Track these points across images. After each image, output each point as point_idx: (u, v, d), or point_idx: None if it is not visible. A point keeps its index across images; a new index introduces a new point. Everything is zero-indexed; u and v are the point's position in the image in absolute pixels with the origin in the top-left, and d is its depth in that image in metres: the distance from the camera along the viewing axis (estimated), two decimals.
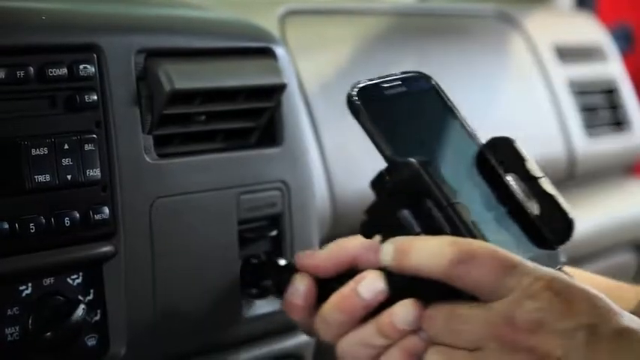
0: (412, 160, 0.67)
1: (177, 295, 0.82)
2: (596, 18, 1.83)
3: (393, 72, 0.74)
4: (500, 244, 0.66)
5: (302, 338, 0.94)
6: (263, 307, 0.89)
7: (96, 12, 0.81)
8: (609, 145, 1.60)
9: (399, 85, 0.73)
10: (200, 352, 0.86)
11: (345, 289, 0.70)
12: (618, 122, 1.65)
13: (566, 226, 0.70)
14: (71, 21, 0.78)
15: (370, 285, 0.69)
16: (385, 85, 0.72)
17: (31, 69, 0.73)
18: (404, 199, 0.67)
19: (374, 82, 0.72)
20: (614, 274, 1.55)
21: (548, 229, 0.70)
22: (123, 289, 0.78)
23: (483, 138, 0.74)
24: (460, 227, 0.66)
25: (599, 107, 1.63)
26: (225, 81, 0.85)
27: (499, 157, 0.72)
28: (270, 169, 0.89)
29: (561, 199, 0.71)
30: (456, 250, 0.64)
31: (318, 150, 1.13)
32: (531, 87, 1.50)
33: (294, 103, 0.92)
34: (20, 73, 0.72)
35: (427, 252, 0.65)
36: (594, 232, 1.50)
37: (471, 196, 0.70)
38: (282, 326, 0.91)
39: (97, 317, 0.77)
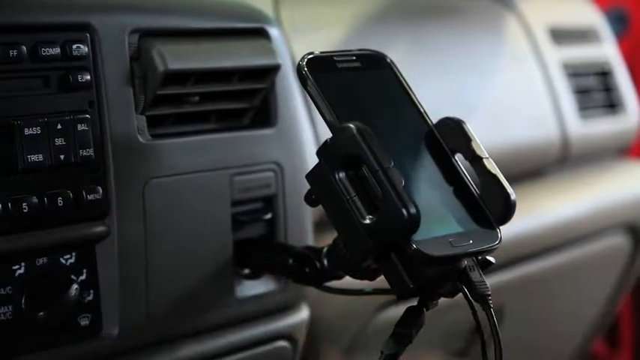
0: (350, 124, 0.67)
1: (170, 276, 0.82)
2: (590, 0, 1.83)
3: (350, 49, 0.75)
4: (441, 220, 0.67)
5: (295, 319, 0.94)
6: (255, 287, 0.89)
7: None
8: (603, 127, 1.60)
9: (352, 60, 0.74)
10: (192, 333, 0.86)
11: None
12: (612, 104, 1.65)
13: (506, 206, 0.71)
14: (65, 0, 0.78)
15: None
16: (338, 59, 0.73)
17: (24, 48, 0.73)
18: (340, 163, 0.68)
19: (326, 54, 0.73)
20: (607, 255, 1.56)
21: (489, 208, 0.71)
22: (116, 269, 0.79)
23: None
24: (390, 191, 0.66)
25: (593, 89, 1.62)
26: (219, 62, 0.85)
27: (447, 137, 0.73)
28: (263, 150, 0.89)
29: (504, 180, 0.72)
30: None
31: (312, 131, 1.12)
32: (525, 69, 1.50)
33: (288, 84, 0.92)
34: (13, 52, 0.72)
35: None
36: (587, 214, 1.50)
37: (419, 173, 0.71)
38: (274, 307, 0.91)
39: (90, 297, 0.77)
